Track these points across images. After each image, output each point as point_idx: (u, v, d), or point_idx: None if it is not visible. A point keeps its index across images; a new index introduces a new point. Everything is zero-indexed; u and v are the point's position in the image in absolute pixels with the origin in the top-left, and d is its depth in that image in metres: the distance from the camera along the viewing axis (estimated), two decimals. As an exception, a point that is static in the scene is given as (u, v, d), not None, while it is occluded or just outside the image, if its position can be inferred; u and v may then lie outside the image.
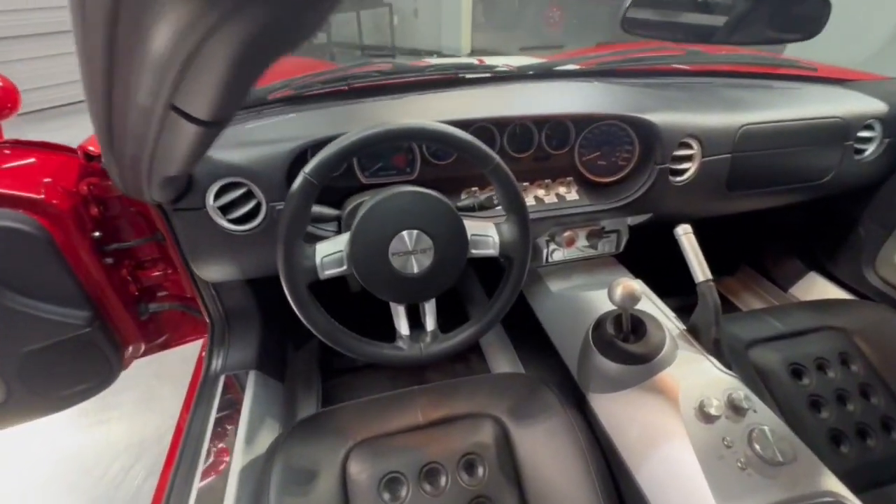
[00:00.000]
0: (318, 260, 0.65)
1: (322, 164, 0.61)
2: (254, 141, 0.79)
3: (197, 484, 0.81)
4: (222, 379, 1.01)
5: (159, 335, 1.10)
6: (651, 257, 1.22)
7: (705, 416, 0.67)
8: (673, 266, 0.88)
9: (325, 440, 0.79)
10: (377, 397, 0.87)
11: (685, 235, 0.81)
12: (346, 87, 0.99)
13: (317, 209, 0.73)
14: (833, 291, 1.38)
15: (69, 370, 0.90)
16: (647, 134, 0.94)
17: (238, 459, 0.85)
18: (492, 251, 0.70)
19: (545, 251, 1.08)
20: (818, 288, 1.42)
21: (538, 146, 0.97)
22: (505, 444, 0.79)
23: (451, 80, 1.05)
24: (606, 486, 0.73)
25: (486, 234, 0.70)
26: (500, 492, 0.73)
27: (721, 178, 1.01)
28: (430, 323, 0.73)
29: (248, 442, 0.89)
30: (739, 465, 0.63)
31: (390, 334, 0.74)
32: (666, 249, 0.91)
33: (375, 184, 0.91)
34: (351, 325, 0.72)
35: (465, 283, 1.61)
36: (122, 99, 0.33)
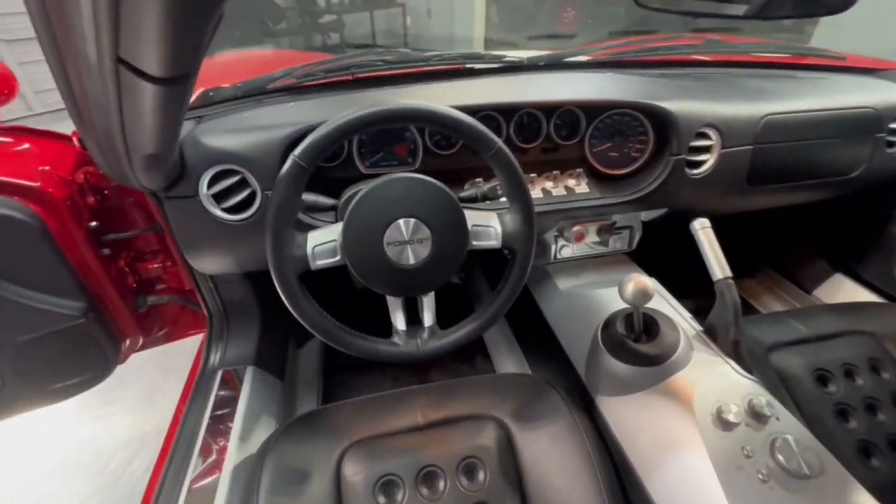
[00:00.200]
0: (309, 249, 0.62)
1: (312, 146, 0.58)
2: (248, 127, 0.76)
3: (188, 481, 0.79)
4: (219, 374, 0.99)
5: (158, 329, 1.09)
6: (665, 256, 1.17)
7: (723, 423, 0.63)
8: (688, 265, 0.84)
9: (319, 439, 0.76)
10: (375, 396, 0.84)
11: (702, 230, 0.76)
12: (351, 77, 0.96)
13: (312, 198, 0.70)
14: (861, 294, 1.30)
15: (64, 362, 0.89)
16: (663, 123, 0.89)
17: (231, 457, 0.82)
18: (494, 243, 0.66)
19: (553, 247, 1.04)
20: (845, 290, 1.35)
21: (546, 136, 0.93)
22: (507, 447, 0.75)
23: (457, 70, 1.01)
24: (614, 494, 0.68)
25: (488, 225, 0.66)
26: (501, 498, 0.69)
27: (741, 172, 0.96)
28: (427, 318, 0.70)
29: (242, 439, 0.86)
30: (761, 476, 0.58)
31: None
32: (681, 248, 0.86)
33: (376, 174, 0.88)
34: (354, 324, 0.69)
35: (470, 279, 1.57)
36: (73, 57, 0.30)
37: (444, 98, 0.88)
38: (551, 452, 0.73)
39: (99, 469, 1.37)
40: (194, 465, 0.81)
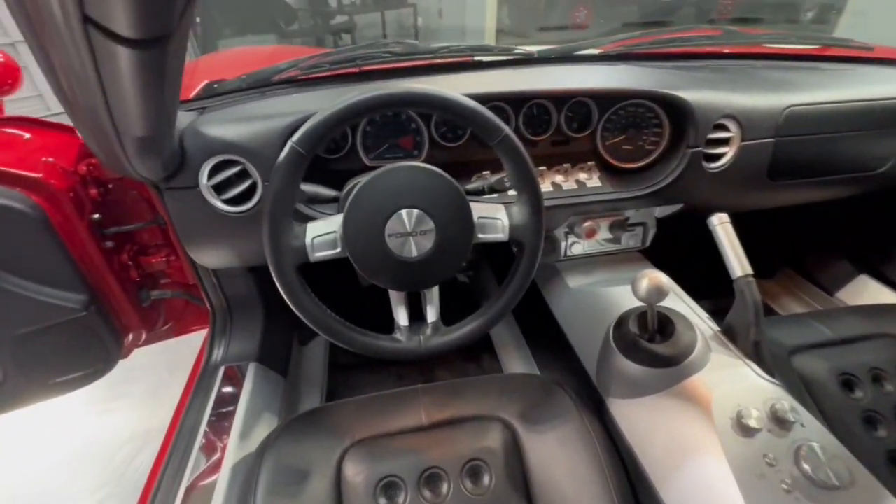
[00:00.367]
0: (308, 240, 0.60)
1: (310, 132, 0.56)
2: (249, 116, 0.75)
3: (187, 479, 0.77)
4: (222, 370, 0.98)
5: (163, 323, 1.08)
6: (680, 254, 1.12)
7: (743, 429, 0.59)
8: (705, 265, 0.80)
9: (320, 438, 0.74)
10: (378, 395, 0.81)
11: (721, 225, 0.73)
12: (357, 69, 0.94)
13: (313, 189, 0.68)
14: (888, 296, 1.24)
15: (65, 355, 0.88)
16: (679, 114, 0.85)
17: (231, 455, 0.81)
18: (500, 235, 0.63)
19: (563, 244, 1.00)
20: (870, 292, 1.29)
21: (557, 128, 0.90)
22: (514, 450, 0.72)
23: (465, 62, 0.99)
24: (626, 502, 0.65)
25: (495, 217, 0.63)
26: (507, 503, 0.66)
27: (762, 166, 0.91)
28: (431, 314, 0.67)
29: (242, 437, 0.85)
30: (785, 486, 0.54)
31: None
32: (697, 246, 0.82)
33: (380, 167, 0.85)
34: (359, 320, 0.67)
35: (478, 278, 1.54)
36: (41, 21, 0.28)
37: (450, 88, 0.85)
38: (559, 456, 0.70)
39: (104, 464, 1.37)
40: (193, 463, 0.80)
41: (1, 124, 0.80)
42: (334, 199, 0.71)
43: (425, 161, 0.87)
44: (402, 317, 0.67)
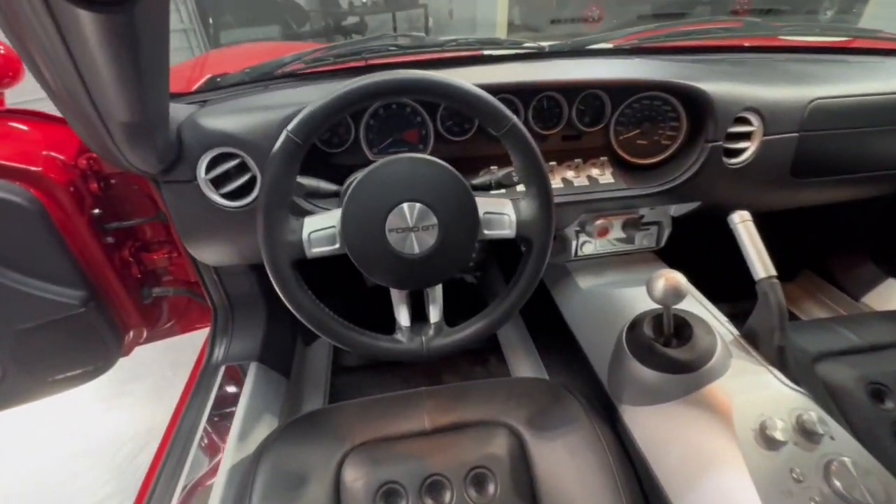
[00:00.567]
0: (305, 235, 0.57)
1: (306, 119, 0.53)
2: (248, 108, 0.72)
3: (183, 481, 0.76)
4: (222, 370, 0.96)
5: (165, 321, 1.07)
6: (697, 255, 1.08)
7: (767, 441, 0.55)
8: (723, 266, 0.76)
9: (319, 441, 0.72)
10: (380, 397, 0.79)
11: (742, 223, 0.69)
12: (364, 63, 0.92)
13: (313, 183, 0.65)
14: None
15: (64, 352, 0.87)
16: (698, 106, 0.81)
17: (228, 457, 0.79)
18: (507, 232, 0.60)
19: (574, 243, 0.97)
20: (899, 297, 1.23)
21: (568, 122, 0.86)
22: (521, 457, 0.69)
23: (473, 57, 0.96)
24: None
25: (502, 213, 0.60)
26: None
27: (785, 162, 0.87)
28: (434, 314, 0.64)
29: (241, 439, 0.83)
30: None
31: None
32: (715, 246, 0.78)
33: None
34: (363, 320, 0.64)
35: (486, 278, 1.50)
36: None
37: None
38: (569, 465, 0.67)
39: (106, 462, 1.36)
40: (191, 465, 0.78)
41: (0, 117, 0.79)
42: (335, 194, 0.69)
43: (431, 156, 0.84)
44: (403, 317, 0.64)
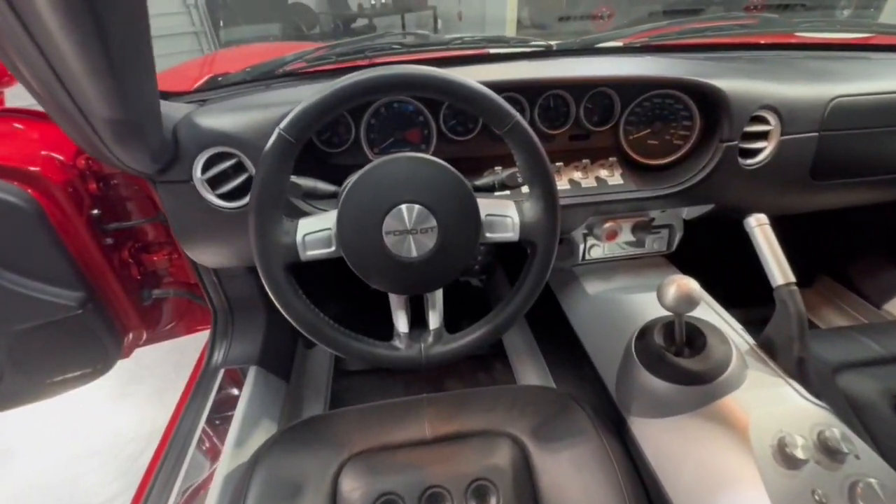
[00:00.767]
0: (299, 237, 0.55)
1: (298, 117, 0.51)
2: (245, 106, 0.71)
3: (178, 487, 0.74)
4: (221, 373, 0.94)
5: (165, 323, 1.05)
6: (710, 260, 1.04)
7: (787, 459, 0.52)
8: (737, 271, 0.72)
9: (316, 449, 0.70)
10: (380, 404, 0.76)
11: (759, 227, 0.66)
12: (367, 61, 0.90)
13: (311, 183, 0.63)
14: None
15: (63, 354, 0.86)
16: (712, 104, 0.78)
17: (224, 464, 0.77)
18: (510, 235, 0.58)
19: (581, 247, 0.94)
20: (924, 305, 1.18)
21: (576, 121, 0.83)
22: (524, 470, 0.66)
23: (479, 55, 0.93)
24: None
25: (504, 215, 0.58)
26: None
27: (804, 163, 0.83)
28: (433, 320, 0.62)
29: (237, 444, 0.81)
30: None
31: None
32: (729, 251, 0.75)
33: None
34: (366, 328, 0.62)
35: (492, 281, 1.48)
36: None
37: None
38: (574, 479, 0.64)
39: (112, 462, 1.36)
40: (186, 471, 0.76)
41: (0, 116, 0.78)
42: (333, 195, 0.67)
43: (433, 156, 0.82)
44: (401, 323, 0.61)
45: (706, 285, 0.82)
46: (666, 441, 0.64)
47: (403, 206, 0.53)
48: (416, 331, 0.62)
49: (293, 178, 0.56)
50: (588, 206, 0.82)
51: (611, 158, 0.85)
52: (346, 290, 1.19)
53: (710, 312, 0.78)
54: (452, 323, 0.64)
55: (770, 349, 0.67)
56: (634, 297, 0.85)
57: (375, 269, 0.55)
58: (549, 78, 0.77)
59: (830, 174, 0.86)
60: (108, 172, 0.85)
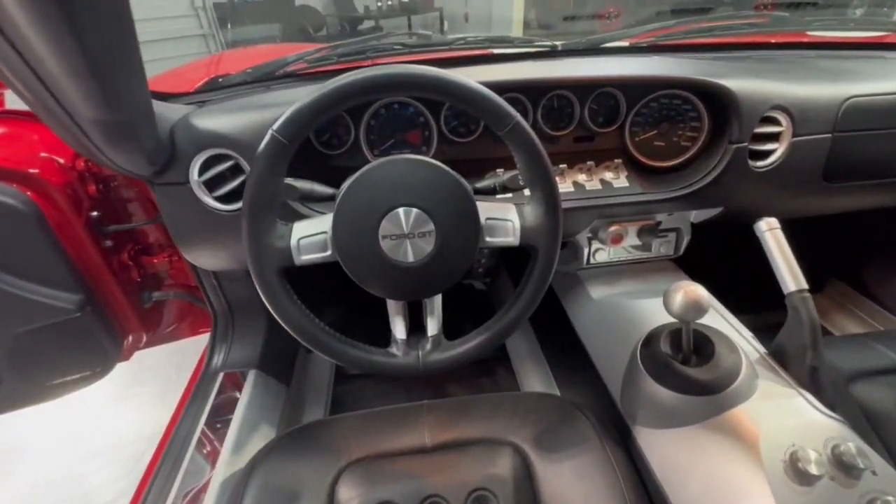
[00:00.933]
0: (293, 241, 0.54)
1: (292, 118, 0.50)
2: (243, 107, 0.70)
3: (174, 493, 0.73)
4: (220, 376, 0.94)
5: (165, 325, 1.05)
6: (718, 264, 1.01)
7: (800, 474, 0.49)
8: (746, 276, 0.70)
9: (314, 455, 0.69)
10: (379, 410, 0.75)
11: (770, 231, 0.64)
12: (369, 62, 0.89)
13: (308, 186, 0.62)
14: None
15: (61, 357, 0.85)
16: (721, 105, 0.76)
17: (221, 469, 0.76)
18: (511, 239, 0.56)
19: (586, 250, 0.92)
20: (941, 311, 1.14)
21: (580, 122, 0.81)
22: (525, 479, 0.65)
23: (482, 55, 0.92)
24: None
25: (505, 219, 0.56)
26: None
27: (817, 165, 0.81)
28: (431, 326, 0.60)
29: (235, 450, 0.80)
30: None
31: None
32: (737, 255, 0.73)
33: None
34: (366, 334, 0.61)
35: (496, 285, 1.46)
36: None
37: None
38: (577, 490, 0.62)
39: (113, 463, 1.36)
40: (183, 475, 0.75)
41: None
42: (331, 198, 0.66)
43: (434, 158, 0.81)
44: (399, 329, 0.60)
45: (715, 290, 0.80)
46: (672, 453, 0.61)
47: (400, 210, 0.51)
48: (414, 337, 0.61)
49: (290, 181, 0.55)
50: (593, 209, 0.80)
51: (616, 160, 0.83)
52: (344, 295, 1.18)
53: (718, 319, 0.76)
54: (455, 327, 0.63)
55: (781, 358, 0.64)
56: (640, 303, 0.83)
57: (371, 273, 0.54)
58: (552, 78, 0.75)
59: (844, 176, 0.84)
60: (108, 174, 0.85)
